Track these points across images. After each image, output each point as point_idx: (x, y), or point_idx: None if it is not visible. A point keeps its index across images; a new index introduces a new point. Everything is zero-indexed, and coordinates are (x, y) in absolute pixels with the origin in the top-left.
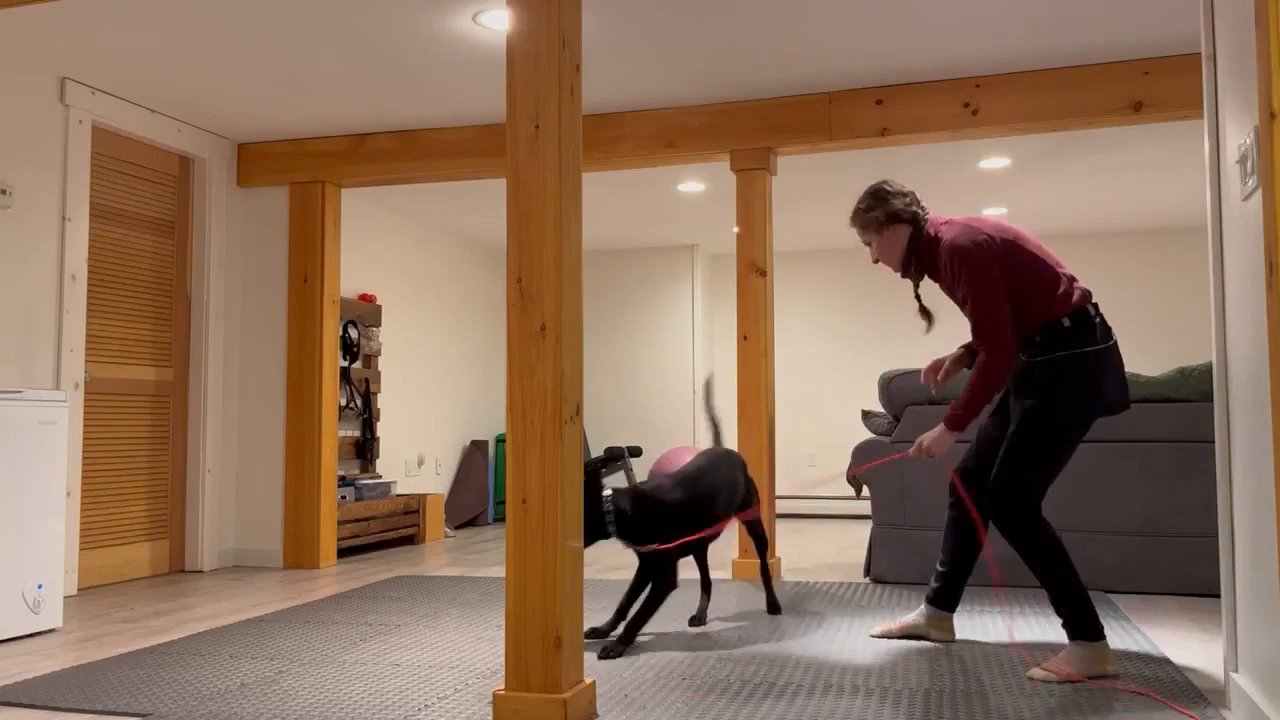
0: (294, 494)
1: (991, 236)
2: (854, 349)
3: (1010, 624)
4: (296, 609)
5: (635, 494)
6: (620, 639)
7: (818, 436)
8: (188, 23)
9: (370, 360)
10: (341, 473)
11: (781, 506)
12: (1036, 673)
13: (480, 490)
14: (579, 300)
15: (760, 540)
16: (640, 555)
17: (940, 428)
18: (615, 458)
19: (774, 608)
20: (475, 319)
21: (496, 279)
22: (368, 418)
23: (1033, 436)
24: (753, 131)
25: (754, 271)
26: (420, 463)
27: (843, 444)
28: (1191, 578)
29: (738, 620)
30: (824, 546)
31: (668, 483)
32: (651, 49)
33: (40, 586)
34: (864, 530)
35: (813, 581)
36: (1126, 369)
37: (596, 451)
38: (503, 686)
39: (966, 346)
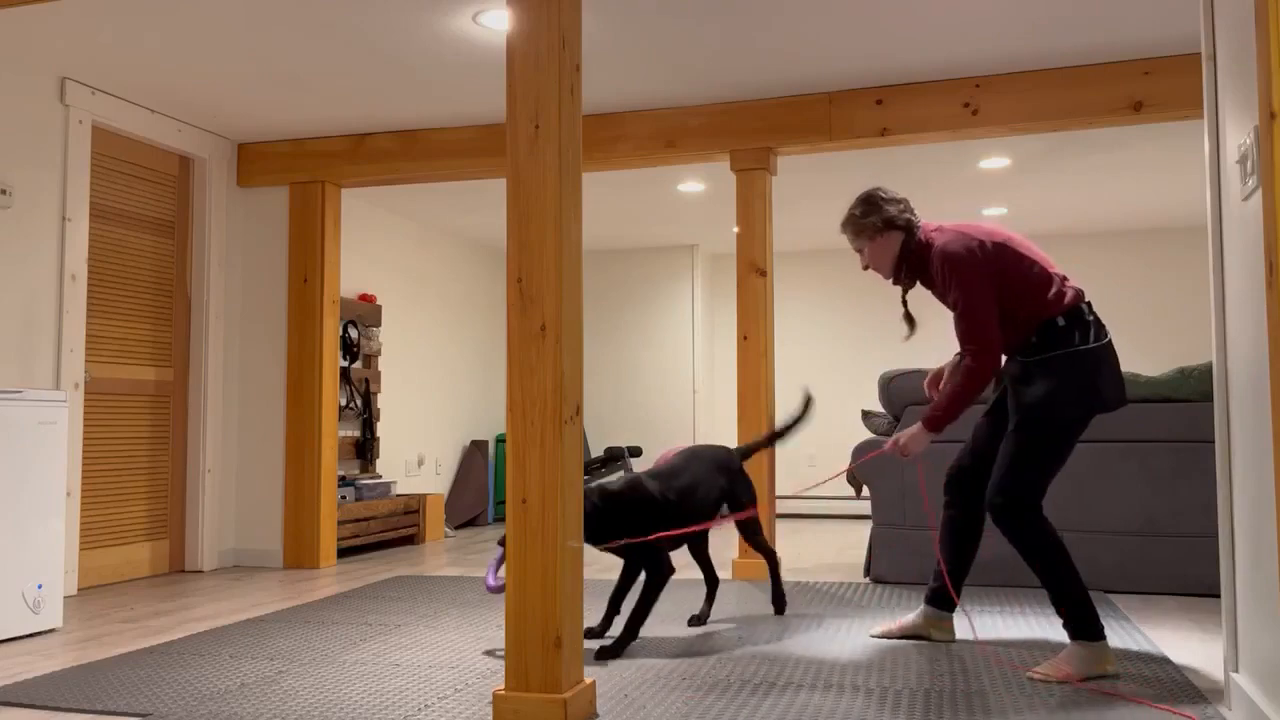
0: (294, 494)
1: (983, 242)
2: (854, 349)
3: (970, 621)
4: (296, 609)
5: (599, 492)
6: (621, 637)
7: (818, 436)
8: (188, 23)
9: (370, 360)
10: (341, 473)
11: (781, 506)
12: (1036, 673)
13: (480, 490)
14: (579, 300)
15: (753, 541)
16: (612, 551)
17: (918, 426)
18: (615, 458)
19: (780, 606)
20: (475, 319)
21: (496, 279)
22: (368, 418)
23: (1032, 436)
24: (753, 131)
25: (754, 271)
26: (420, 463)
27: (843, 444)
28: (1191, 578)
29: (738, 620)
30: (824, 546)
31: (622, 484)
32: (651, 49)
33: (40, 586)
34: (864, 530)
35: (813, 581)
36: (1127, 369)
37: (596, 451)
38: (503, 686)
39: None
